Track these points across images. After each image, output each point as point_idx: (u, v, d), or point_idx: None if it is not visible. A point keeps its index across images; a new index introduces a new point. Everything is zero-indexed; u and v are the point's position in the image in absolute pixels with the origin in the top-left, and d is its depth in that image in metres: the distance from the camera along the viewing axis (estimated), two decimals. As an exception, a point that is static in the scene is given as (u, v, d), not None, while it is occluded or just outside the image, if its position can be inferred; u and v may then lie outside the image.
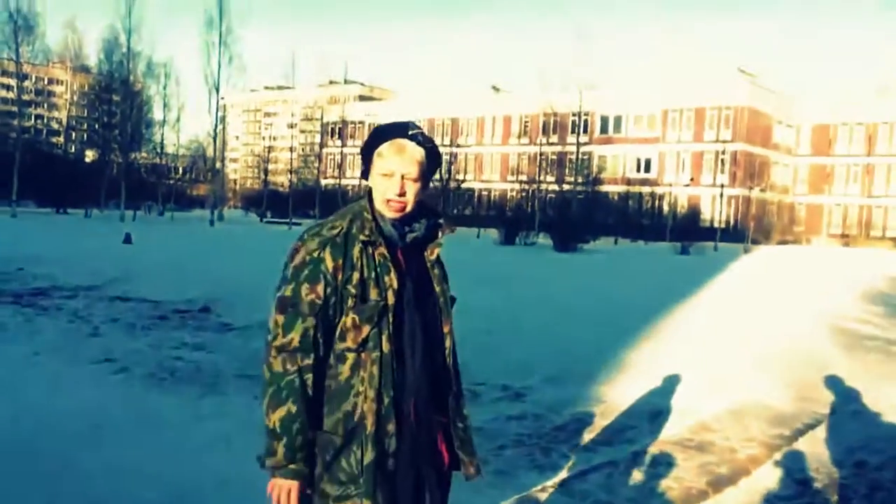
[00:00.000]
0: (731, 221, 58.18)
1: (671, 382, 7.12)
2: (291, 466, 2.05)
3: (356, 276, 2.10)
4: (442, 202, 50.94)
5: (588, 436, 5.64)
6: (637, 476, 4.53)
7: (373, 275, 2.11)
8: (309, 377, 2.06)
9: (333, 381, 2.10)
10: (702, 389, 6.90)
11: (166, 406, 5.64)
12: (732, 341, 9.11)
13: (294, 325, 2.08)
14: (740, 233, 53.91)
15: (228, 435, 4.81)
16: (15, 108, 52.31)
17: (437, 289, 2.25)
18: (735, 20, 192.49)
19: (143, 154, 62.15)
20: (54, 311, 9.90)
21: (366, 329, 2.07)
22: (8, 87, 55.10)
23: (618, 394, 6.75)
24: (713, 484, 4.51)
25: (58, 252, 17.57)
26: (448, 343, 2.26)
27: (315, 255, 2.12)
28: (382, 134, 2.21)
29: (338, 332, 2.10)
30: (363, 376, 2.08)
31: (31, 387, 5.88)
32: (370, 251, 2.14)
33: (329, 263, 2.10)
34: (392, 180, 2.16)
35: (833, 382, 7.26)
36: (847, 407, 6.51)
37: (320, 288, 2.09)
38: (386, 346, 2.08)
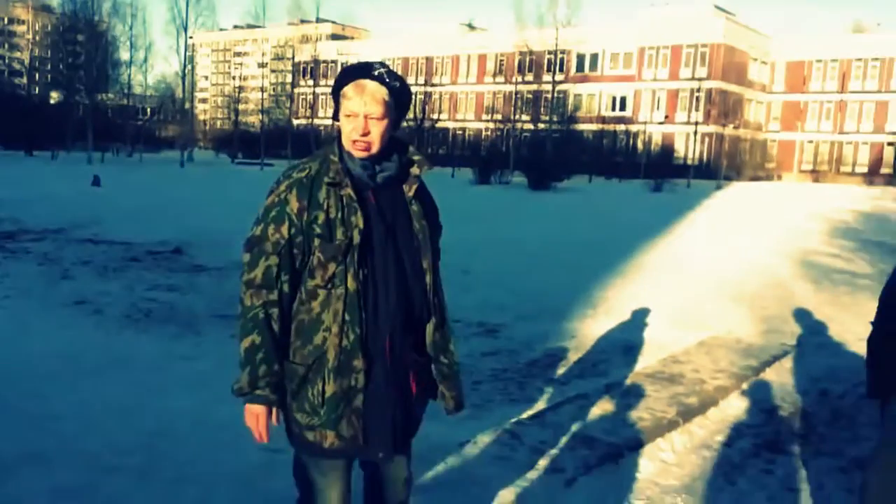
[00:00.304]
0: (705, 159, 58.41)
1: (642, 318, 7.22)
2: (257, 392, 2.14)
3: (322, 216, 2.15)
4: (416, 141, 50.48)
5: (561, 370, 5.74)
6: (609, 407, 4.62)
7: (339, 215, 2.14)
8: (273, 311, 2.15)
9: (307, 315, 2.17)
10: (672, 324, 7.01)
11: (141, 346, 5.63)
12: (703, 277, 9.23)
13: (258, 262, 2.16)
14: (713, 170, 54.19)
15: (204, 375, 4.82)
16: (-26, 48, 50.59)
17: (416, 225, 2.26)
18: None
19: (110, 95, 60.63)
20: (23, 254, 9.77)
21: (331, 267, 2.13)
22: (-35, 26, 53.09)
23: (590, 329, 6.84)
24: (683, 414, 4.61)
25: (24, 194, 17.25)
26: (429, 279, 2.27)
27: (282, 196, 2.18)
28: (346, 75, 2.21)
29: (307, 271, 2.16)
30: (331, 312, 2.13)
31: (1, 330, 5.82)
32: (337, 192, 2.16)
33: (294, 205, 2.16)
34: (356, 120, 2.17)
35: (801, 315, 7.41)
36: (813, 339, 6.66)
37: (284, 228, 2.16)
38: (351, 284, 2.13)
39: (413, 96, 2.32)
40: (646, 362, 5.80)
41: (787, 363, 5.94)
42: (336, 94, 2.22)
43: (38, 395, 4.20)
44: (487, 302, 7.72)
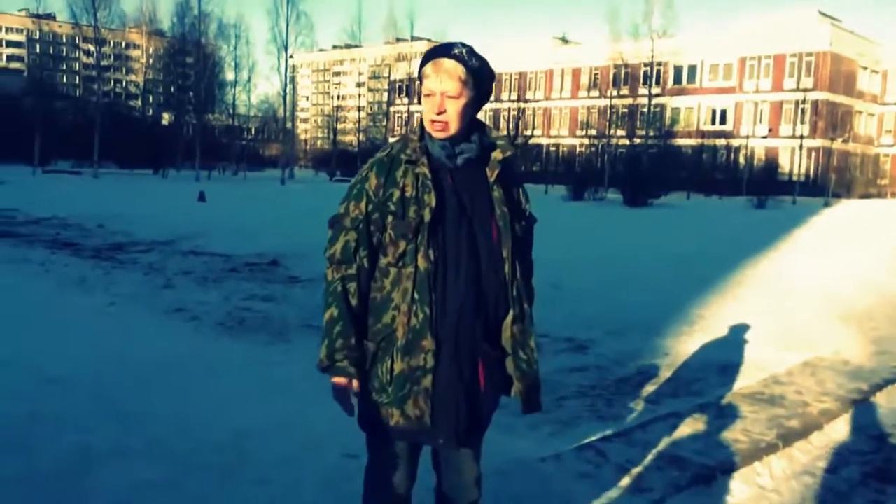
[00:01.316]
0: (811, 174, 55.82)
1: (742, 336, 6.90)
2: (336, 365, 2.16)
3: (397, 193, 2.15)
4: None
5: (652, 388, 5.53)
6: (702, 427, 4.41)
7: (414, 193, 2.14)
8: (352, 285, 2.17)
9: (379, 293, 2.18)
10: (775, 343, 6.67)
11: (234, 353, 5.78)
12: (809, 294, 8.77)
13: (338, 237, 2.20)
14: (820, 186, 51.76)
15: (292, 381, 4.89)
16: (95, 73, 53.85)
17: (497, 211, 2.21)
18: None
19: (217, 115, 63.39)
20: (130, 264, 10.25)
21: (402, 245, 2.13)
22: (88, 53, 56.57)
23: (684, 347, 6.59)
24: (783, 437, 4.36)
25: (135, 210, 18.17)
26: (507, 268, 2.21)
27: (364, 174, 2.22)
28: (427, 55, 2.21)
29: (381, 248, 2.18)
30: (400, 291, 2.13)
31: (106, 334, 6.10)
32: (413, 170, 2.16)
33: (373, 182, 2.18)
34: (433, 99, 2.16)
35: (916, 337, 6.92)
36: (930, 362, 6.20)
37: (363, 205, 2.19)
38: (422, 263, 2.11)
39: (496, 80, 2.31)
40: (744, 382, 5.53)
41: (900, 387, 5.54)
42: (420, 76, 2.22)
43: (134, 394, 4.37)
44: (576, 316, 7.55)
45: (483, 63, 2.18)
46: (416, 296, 2.12)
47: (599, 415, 4.85)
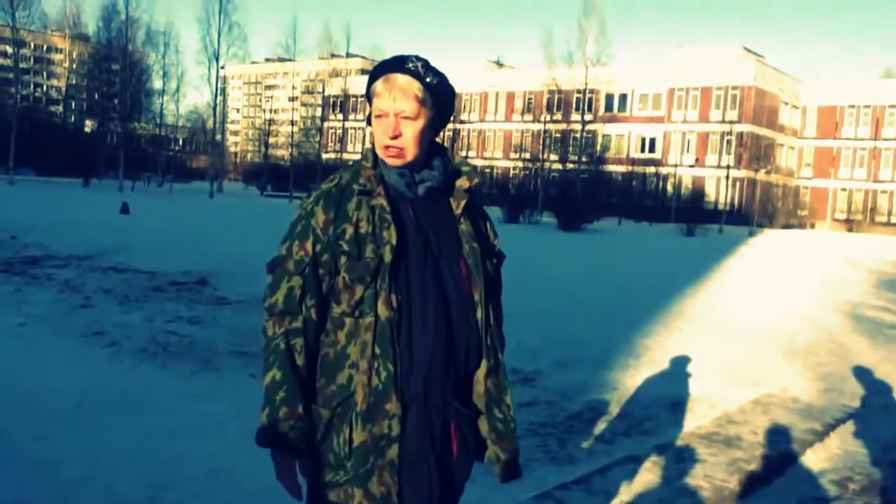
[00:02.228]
0: (737, 204, 57.64)
1: (688, 370, 6.77)
2: (281, 438, 1.79)
3: (350, 230, 1.82)
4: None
5: (604, 425, 5.31)
6: (662, 473, 4.18)
7: (370, 229, 1.81)
8: (297, 341, 1.82)
9: (331, 349, 1.84)
10: (722, 378, 6.55)
11: (156, 384, 5.29)
12: (750, 327, 8.75)
13: (280, 284, 1.84)
14: (745, 216, 53.41)
15: (222, 419, 4.46)
16: (12, 76, 51.59)
17: (466, 248, 1.90)
18: None
19: (143, 124, 61.47)
20: (45, 280, 9.55)
21: (358, 290, 1.79)
22: (5, 55, 54.20)
23: (632, 381, 6.41)
24: (745, 483, 4.16)
25: (53, 220, 17.18)
26: (480, 313, 1.89)
27: (308, 208, 1.87)
28: (376, 70, 1.89)
29: (333, 295, 1.84)
30: (358, 345, 1.79)
31: (11, 362, 5.52)
32: (368, 203, 1.83)
33: (320, 217, 1.84)
34: (385, 122, 1.84)
35: (860, 373, 6.91)
36: (877, 400, 6.17)
37: (309, 244, 1.84)
38: (383, 311, 1.78)
39: (455, 97, 1.95)
40: (697, 421, 5.35)
41: (851, 427, 5.45)
42: (369, 94, 1.89)
43: (41, 437, 3.86)
44: (521, 347, 7.29)
45: (442, 78, 1.88)
46: (377, 350, 1.78)
47: (553, 456, 4.59)
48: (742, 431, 5.07)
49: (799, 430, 5.20)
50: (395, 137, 1.83)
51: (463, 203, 1.91)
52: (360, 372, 1.77)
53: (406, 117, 1.82)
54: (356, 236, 1.80)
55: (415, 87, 1.82)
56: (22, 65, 51.82)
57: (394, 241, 1.78)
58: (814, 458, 4.78)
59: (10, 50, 49.73)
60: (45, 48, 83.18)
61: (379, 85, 1.84)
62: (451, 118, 2.00)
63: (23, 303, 7.98)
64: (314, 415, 1.82)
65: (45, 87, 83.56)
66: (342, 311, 1.82)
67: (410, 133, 1.83)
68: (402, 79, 1.82)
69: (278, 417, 1.78)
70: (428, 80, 1.83)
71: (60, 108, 71.05)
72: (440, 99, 1.87)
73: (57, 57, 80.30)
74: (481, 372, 1.90)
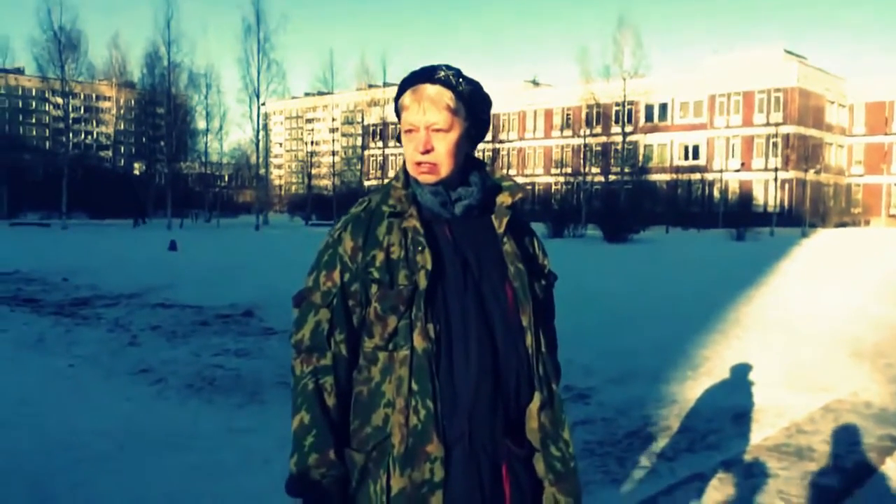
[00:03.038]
0: (786, 205, 56.42)
1: (750, 378, 6.47)
2: (312, 486, 1.63)
3: (381, 256, 1.65)
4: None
5: (665, 441, 5.04)
6: (731, 490, 3.93)
7: (403, 254, 1.64)
8: (326, 380, 1.66)
9: (364, 387, 1.67)
10: (787, 385, 6.24)
11: (202, 420, 5.20)
12: (813, 331, 8.37)
13: (306, 319, 1.70)
14: (795, 217, 52.17)
15: (266, 452, 4.33)
16: (63, 125, 53.24)
17: (511, 269, 1.71)
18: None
19: (189, 163, 62.81)
20: (95, 320, 9.63)
21: (392, 321, 1.62)
22: (56, 106, 55.92)
23: (692, 393, 6.13)
24: (822, 498, 3.88)
25: (103, 261, 17.49)
26: (529, 340, 1.70)
27: (336, 235, 1.71)
28: (404, 83, 1.72)
29: (365, 328, 1.67)
30: (394, 381, 1.62)
31: (57, 403, 5.50)
32: (400, 225, 1.66)
33: (348, 244, 1.68)
34: (416, 136, 1.68)
35: (936, 373, 6.52)
36: (958, 401, 5.78)
37: (336, 274, 1.68)
38: (419, 343, 1.60)
39: (491, 105, 1.78)
40: (764, 433, 5.06)
41: (933, 432, 5.10)
42: (397, 109, 1.74)
43: (85, 483, 3.77)
44: (573, 363, 7.05)
45: (475, 86, 1.71)
46: (414, 386, 1.60)
47: (613, 477, 4.35)
48: (813, 441, 4.79)
49: (874, 437, 4.89)
50: (426, 152, 1.67)
51: (505, 221, 1.73)
52: (397, 411, 1.60)
53: (438, 130, 1.66)
54: (387, 262, 1.64)
55: (446, 96, 1.66)
56: (72, 115, 53.35)
57: (429, 266, 1.62)
58: (893, 467, 4.45)
59: (60, 101, 51.20)
60: (93, 97, 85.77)
61: (407, 97, 1.69)
62: (489, 130, 1.83)
63: (72, 344, 8.03)
64: (348, 460, 1.65)
65: (94, 134, 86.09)
66: (375, 344, 1.66)
67: (443, 147, 1.67)
68: (431, 89, 1.67)
69: (308, 464, 1.62)
70: (460, 88, 1.68)
71: (110, 153, 73.09)
72: (474, 108, 1.71)
73: (105, 105, 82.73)
74: (534, 405, 1.71)
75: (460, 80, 1.69)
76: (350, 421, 1.68)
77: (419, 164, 1.68)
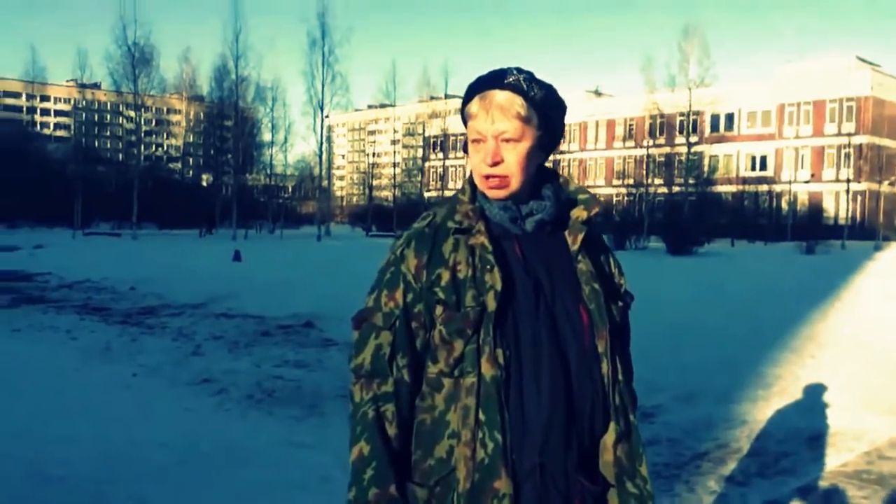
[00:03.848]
0: (858, 218, 54.44)
1: (826, 399, 6.17)
2: None
3: (446, 275, 1.54)
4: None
5: (735, 464, 4.83)
6: (809, 520, 3.71)
7: (470, 273, 1.53)
8: (388, 408, 1.56)
9: (428, 415, 1.56)
10: (865, 407, 5.92)
11: (261, 433, 5.20)
12: (891, 350, 7.97)
13: (367, 342, 1.60)
14: (868, 230, 50.34)
15: (325, 469, 4.29)
16: (135, 138, 55.00)
17: (586, 289, 1.59)
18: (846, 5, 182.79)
19: (254, 175, 64.13)
20: (159, 329, 9.81)
21: (458, 345, 1.52)
22: (129, 119, 57.83)
23: (763, 414, 5.87)
24: (909, 531, 3.64)
25: (169, 271, 17.90)
26: (606, 367, 1.58)
27: (398, 252, 1.61)
28: (472, 88, 1.60)
29: (429, 353, 1.57)
30: (459, 411, 1.51)
31: (119, 413, 5.57)
32: (466, 242, 1.55)
33: (411, 262, 1.57)
34: (484, 146, 1.57)
35: None
36: None
37: (399, 294, 1.58)
38: (487, 370, 1.49)
39: (565, 111, 1.66)
40: (842, 457, 4.80)
41: None
42: (464, 116, 1.63)
43: (146, 499, 3.77)
44: (638, 379, 6.82)
45: (549, 91, 1.59)
46: (481, 417, 1.50)
47: (681, 503, 4.16)
48: (896, 469, 4.51)
49: (964, 467, 4.57)
50: (495, 164, 1.56)
51: (581, 237, 1.61)
52: (463, 443, 1.50)
53: (508, 139, 1.55)
54: (454, 282, 1.54)
55: (516, 103, 1.55)
56: (144, 127, 54.98)
57: (498, 286, 1.51)
58: None
59: (133, 114, 52.94)
60: (164, 110, 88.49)
61: (474, 105, 1.58)
62: (563, 138, 1.72)
63: (137, 353, 8.19)
64: (409, 495, 1.55)
65: (164, 146, 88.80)
66: (440, 370, 1.55)
67: (514, 158, 1.56)
68: (500, 95, 1.55)
69: (368, 500, 1.52)
70: (532, 93, 1.56)
71: (179, 165, 75.21)
72: (548, 115, 1.59)
73: (175, 118, 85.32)
74: (609, 438, 1.59)
75: (532, 84, 1.57)
76: (412, 451, 1.58)
77: (488, 177, 1.57)
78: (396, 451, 1.55)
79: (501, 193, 1.57)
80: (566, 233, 1.63)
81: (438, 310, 1.54)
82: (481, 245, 1.55)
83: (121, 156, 64.96)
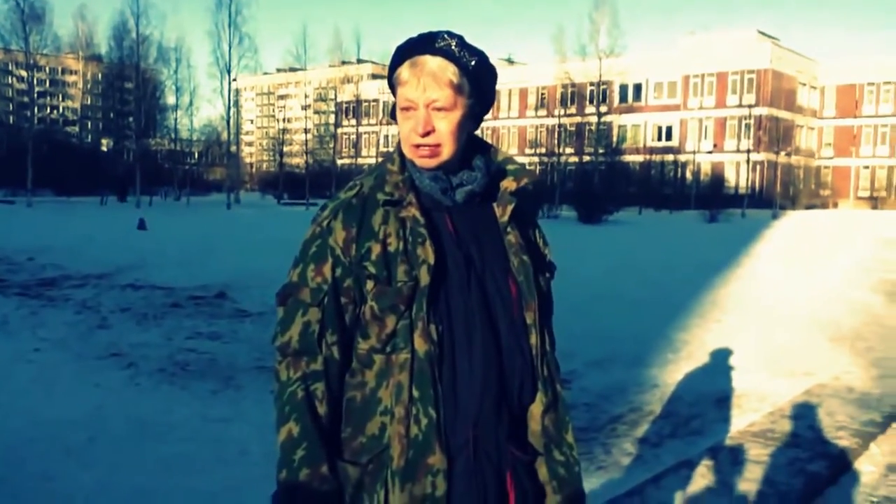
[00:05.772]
0: (757, 187, 57.00)
1: (731, 363, 6.45)
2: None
3: (377, 248, 1.48)
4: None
5: (649, 427, 5.00)
6: (720, 478, 3.86)
7: (400, 246, 1.47)
8: (318, 387, 1.49)
9: (358, 392, 1.51)
10: (768, 369, 6.23)
11: (175, 407, 5.03)
12: (792, 314, 8.40)
13: (293, 319, 1.51)
14: (766, 199, 52.77)
15: (242, 442, 4.20)
16: (27, 99, 52.01)
17: (514, 261, 1.55)
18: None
19: (158, 140, 61.74)
20: (62, 301, 9.36)
21: (390, 321, 1.46)
22: (21, 79, 54.52)
23: (673, 378, 6.09)
24: (812, 485, 3.84)
25: (70, 240, 17.07)
26: (534, 339, 1.55)
27: (325, 224, 1.52)
28: (400, 52, 1.52)
29: (359, 328, 1.51)
30: (392, 388, 1.47)
31: (24, 390, 5.29)
32: (397, 214, 1.50)
33: (339, 234, 1.50)
34: (414, 115, 1.49)
35: (915, 357, 6.55)
36: (937, 385, 5.80)
37: (327, 268, 1.50)
38: (421, 345, 1.45)
39: (496, 78, 1.59)
40: (748, 417, 5.03)
41: (915, 416, 5.10)
42: (391, 82, 1.54)
43: (48, 478, 3.60)
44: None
45: (481, 57, 1.52)
46: (415, 393, 1.45)
47: (599, 465, 4.28)
48: (798, 427, 4.75)
49: (859, 423, 4.87)
50: (426, 134, 1.49)
51: (510, 209, 1.56)
52: (396, 420, 1.45)
53: (439, 108, 1.48)
54: (384, 256, 1.48)
55: (449, 70, 1.47)
56: (37, 88, 52.08)
57: (431, 260, 1.46)
58: (878, 452, 4.44)
59: (24, 74, 49.92)
60: (59, 70, 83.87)
61: (404, 71, 1.49)
62: (493, 105, 1.65)
63: (38, 326, 7.79)
64: (341, 474, 1.50)
65: (60, 109, 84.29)
66: (371, 346, 1.50)
67: (446, 127, 1.49)
68: (432, 61, 1.47)
69: (299, 480, 1.46)
70: (464, 59, 1.49)
71: (76, 129, 71.64)
72: (480, 82, 1.52)
73: (71, 78, 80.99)
74: (537, 407, 1.57)
75: (464, 51, 1.50)
76: (341, 428, 1.53)
77: (418, 146, 1.50)
78: (326, 430, 1.49)
79: (432, 163, 1.51)
80: (495, 204, 1.58)
81: (369, 284, 1.48)
82: (413, 218, 1.49)
83: (12, 118, 61.28)
